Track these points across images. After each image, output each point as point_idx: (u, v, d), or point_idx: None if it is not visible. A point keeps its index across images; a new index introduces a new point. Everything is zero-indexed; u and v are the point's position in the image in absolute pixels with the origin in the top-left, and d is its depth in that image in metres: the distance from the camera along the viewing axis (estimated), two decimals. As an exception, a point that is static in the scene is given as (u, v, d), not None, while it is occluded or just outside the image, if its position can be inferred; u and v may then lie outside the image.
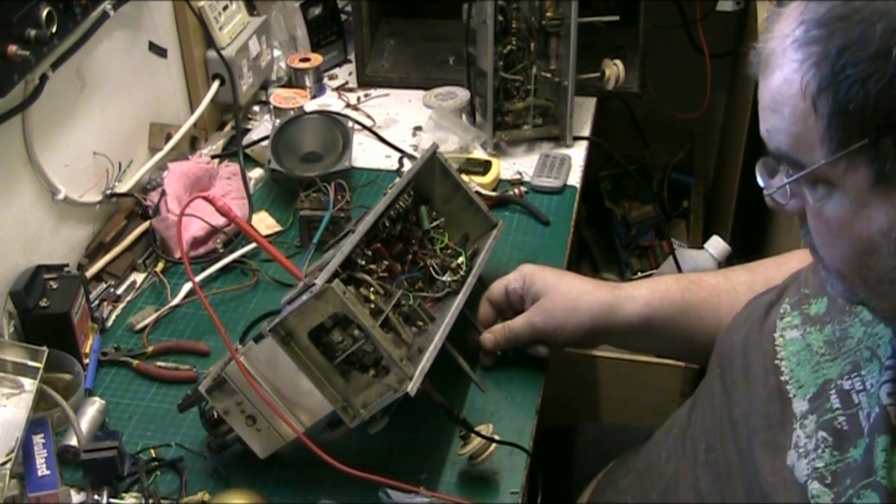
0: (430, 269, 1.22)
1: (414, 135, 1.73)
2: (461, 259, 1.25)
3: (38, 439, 1.07)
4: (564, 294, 1.17)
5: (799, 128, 0.71)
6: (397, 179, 1.25)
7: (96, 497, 1.05)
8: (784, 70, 0.71)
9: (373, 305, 1.06)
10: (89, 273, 1.36)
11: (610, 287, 1.19)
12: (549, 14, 1.58)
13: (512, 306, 1.23)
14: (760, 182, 0.81)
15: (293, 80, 1.84)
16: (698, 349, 1.12)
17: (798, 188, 0.76)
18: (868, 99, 0.66)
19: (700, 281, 1.17)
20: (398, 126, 1.75)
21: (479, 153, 1.63)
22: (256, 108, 1.81)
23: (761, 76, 0.75)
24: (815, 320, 0.91)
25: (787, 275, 1.03)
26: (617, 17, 1.66)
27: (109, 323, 1.33)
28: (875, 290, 0.75)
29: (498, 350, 1.22)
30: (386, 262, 1.17)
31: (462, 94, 1.72)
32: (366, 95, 1.85)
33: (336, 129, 1.58)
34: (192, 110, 1.65)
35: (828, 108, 0.68)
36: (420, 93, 1.78)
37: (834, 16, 0.68)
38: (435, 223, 1.27)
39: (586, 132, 1.71)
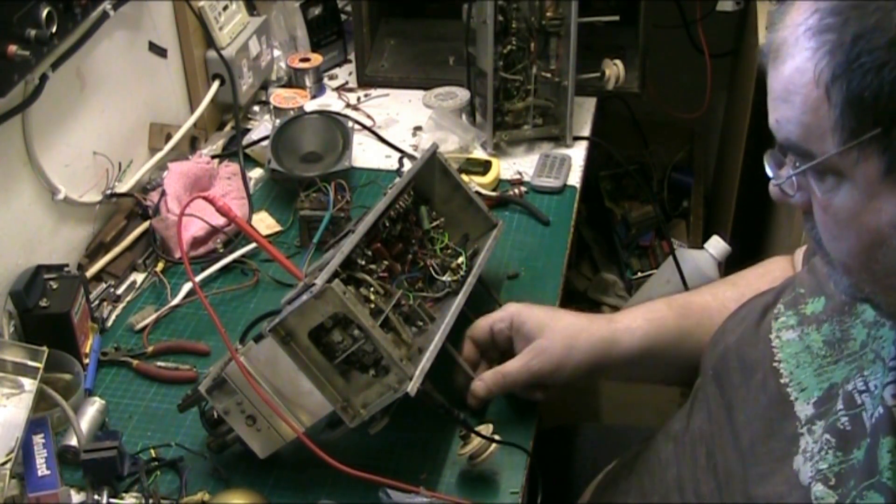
0: (430, 269, 1.22)
1: (414, 135, 1.73)
2: (461, 259, 1.25)
3: (38, 439, 1.07)
4: (560, 332, 1.12)
5: (810, 117, 0.70)
6: (397, 179, 1.25)
7: (96, 497, 1.05)
8: (797, 58, 0.70)
9: (373, 305, 1.06)
10: (89, 273, 1.36)
11: (605, 320, 1.15)
12: (549, 14, 1.58)
13: (497, 347, 1.17)
14: (769, 173, 0.80)
15: (293, 80, 1.84)
16: (695, 374, 1.08)
17: (805, 180, 0.75)
18: (883, 87, 0.65)
19: (690, 304, 1.15)
20: (398, 126, 1.75)
21: (479, 153, 1.63)
22: (256, 108, 1.81)
23: (772, 66, 0.74)
24: (812, 319, 0.91)
25: (771, 283, 1.03)
26: (617, 17, 1.66)
27: (109, 323, 1.33)
28: (881, 283, 0.74)
29: (492, 398, 1.15)
30: (386, 262, 1.17)
31: (462, 94, 1.72)
32: (366, 95, 1.85)
33: (336, 129, 1.58)
34: (192, 110, 1.65)
35: (841, 96, 0.68)
36: (420, 93, 1.78)
37: (849, 4, 0.67)
38: (435, 223, 1.27)
39: (586, 132, 1.71)
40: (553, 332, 1.12)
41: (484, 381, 1.13)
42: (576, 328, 1.12)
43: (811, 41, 0.69)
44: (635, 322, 1.13)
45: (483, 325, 1.17)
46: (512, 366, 1.13)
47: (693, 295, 1.18)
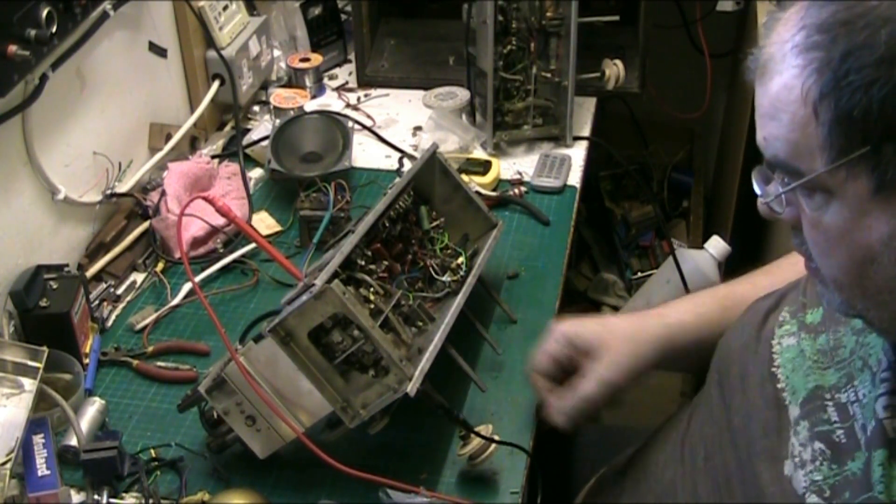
0: (430, 269, 1.22)
1: (414, 135, 1.73)
2: (461, 259, 1.25)
3: (38, 439, 1.08)
4: (620, 337, 1.08)
5: (798, 135, 0.70)
6: (397, 179, 1.25)
7: (96, 497, 1.05)
8: (784, 76, 0.70)
9: (372, 306, 1.06)
10: (89, 273, 1.36)
11: (656, 317, 1.11)
12: (549, 14, 1.58)
13: (565, 370, 1.11)
14: (757, 190, 0.80)
15: (293, 80, 1.84)
16: None
17: (794, 197, 0.75)
18: (871, 105, 0.65)
19: (733, 295, 1.12)
20: (398, 126, 1.75)
21: (479, 153, 1.63)
22: (256, 108, 1.81)
23: (759, 82, 0.74)
24: (811, 329, 0.91)
25: (799, 273, 1.02)
26: (617, 17, 1.66)
27: (109, 323, 1.33)
28: (874, 300, 0.74)
29: (576, 424, 1.09)
30: (386, 263, 1.17)
31: (462, 94, 1.72)
32: (366, 95, 1.85)
33: (336, 129, 1.58)
34: (192, 110, 1.65)
35: (829, 114, 0.67)
36: (420, 93, 1.78)
37: (836, 21, 0.67)
38: (435, 223, 1.27)
39: (586, 132, 1.71)
40: (613, 338, 1.08)
41: (564, 412, 1.08)
42: (632, 330, 1.09)
43: (798, 58, 0.69)
44: (686, 317, 1.10)
45: (544, 358, 1.12)
46: (588, 387, 1.07)
47: (735, 285, 1.15)
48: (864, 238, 0.70)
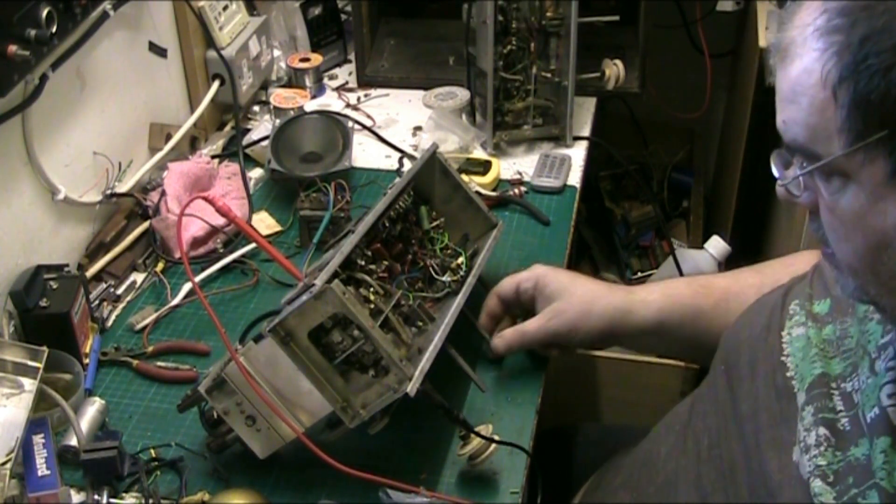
0: (430, 269, 1.22)
1: (414, 135, 1.73)
2: (461, 259, 1.25)
3: (38, 439, 1.07)
4: (579, 296, 1.17)
5: (817, 118, 0.71)
6: (397, 179, 1.25)
7: (96, 497, 1.05)
8: (804, 59, 0.71)
9: (372, 306, 1.06)
10: (89, 273, 1.36)
11: (624, 291, 1.19)
12: (549, 14, 1.58)
13: (521, 305, 1.23)
14: (775, 173, 0.80)
15: (293, 80, 1.84)
16: (707, 352, 1.10)
17: (812, 181, 0.75)
18: (889, 89, 0.66)
19: (710, 285, 1.17)
20: (398, 126, 1.75)
21: (479, 153, 1.63)
22: (256, 108, 1.81)
23: (780, 66, 0.74)
24: (817, 319, 0.91)
25: (793, 275, 1.03)
26: (617, 17, 1.66)
27: (109, 323, 1.33)
28: (887, 286, 0.74)
29: (510, 354, 1.22)
30: (386, 263, 1.17)
31: (462, 94, 1.72)
32: (366, 95, 1.85)
33: (336, 129, 1.58)
34: (192, 110, 1.65)
35: (848, 98, 0.68)
36: (420, 93, 1.77)
37: (857, 5, 0.67)
38: (435, 223, 1.27)
39: (586, 132, 1.71)
40: (572, 295, 1.18)
41: (503, 338, 1.20)
42: (594, 294, 1.18)
43: (819, 42, 0.69)
44: (652, 295, 1.17)
45: (510, 283, 1.23)
46: (531, 325, 1.19)
47: (715, 277, 1.21)
48: (879, 223, 0.71)
